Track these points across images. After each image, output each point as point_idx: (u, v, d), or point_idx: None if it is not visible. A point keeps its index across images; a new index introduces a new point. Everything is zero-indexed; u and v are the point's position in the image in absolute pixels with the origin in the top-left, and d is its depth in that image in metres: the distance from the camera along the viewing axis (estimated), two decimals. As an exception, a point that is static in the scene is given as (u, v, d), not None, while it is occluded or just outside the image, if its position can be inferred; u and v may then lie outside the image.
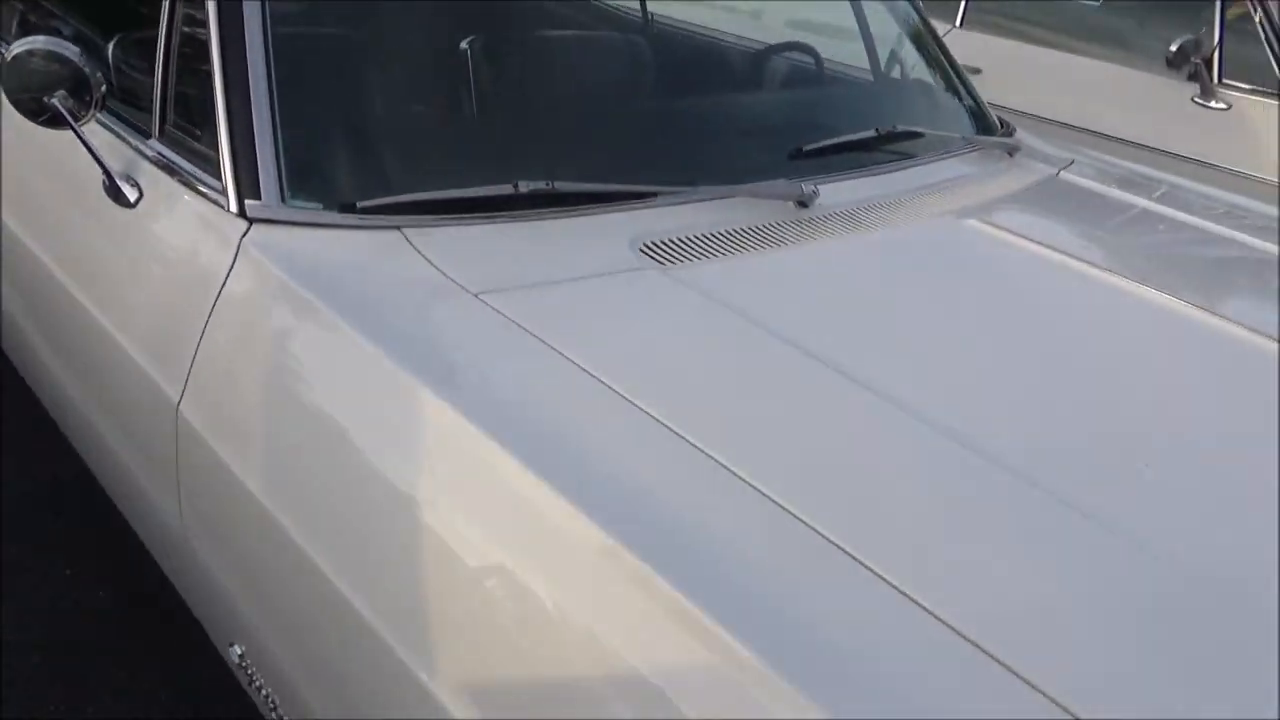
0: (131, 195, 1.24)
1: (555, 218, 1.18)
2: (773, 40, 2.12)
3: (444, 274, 1.05)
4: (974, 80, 3.46)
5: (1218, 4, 2.83)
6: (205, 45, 1.18)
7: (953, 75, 2.02)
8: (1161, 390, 1.07)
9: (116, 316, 1.23)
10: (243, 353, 1.05)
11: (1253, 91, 2.79)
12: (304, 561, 0.92)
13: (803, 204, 1.35)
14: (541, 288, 1.06)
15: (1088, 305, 1.25)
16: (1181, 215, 1.73)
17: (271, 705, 1.08)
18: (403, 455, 0.89)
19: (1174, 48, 2.77)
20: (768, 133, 1.53)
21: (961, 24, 3.37)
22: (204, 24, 1.18)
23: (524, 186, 1.16)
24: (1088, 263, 1.34)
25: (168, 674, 1.62)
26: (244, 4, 1.17)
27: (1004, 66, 3.22)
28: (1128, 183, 1.87)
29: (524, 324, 0.98)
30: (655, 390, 0.90)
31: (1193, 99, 2.85)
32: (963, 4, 3.37)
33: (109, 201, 1.26)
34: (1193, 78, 2.83)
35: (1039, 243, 1.39)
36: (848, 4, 2.09)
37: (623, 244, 1.17)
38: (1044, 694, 0.64)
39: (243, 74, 1.15)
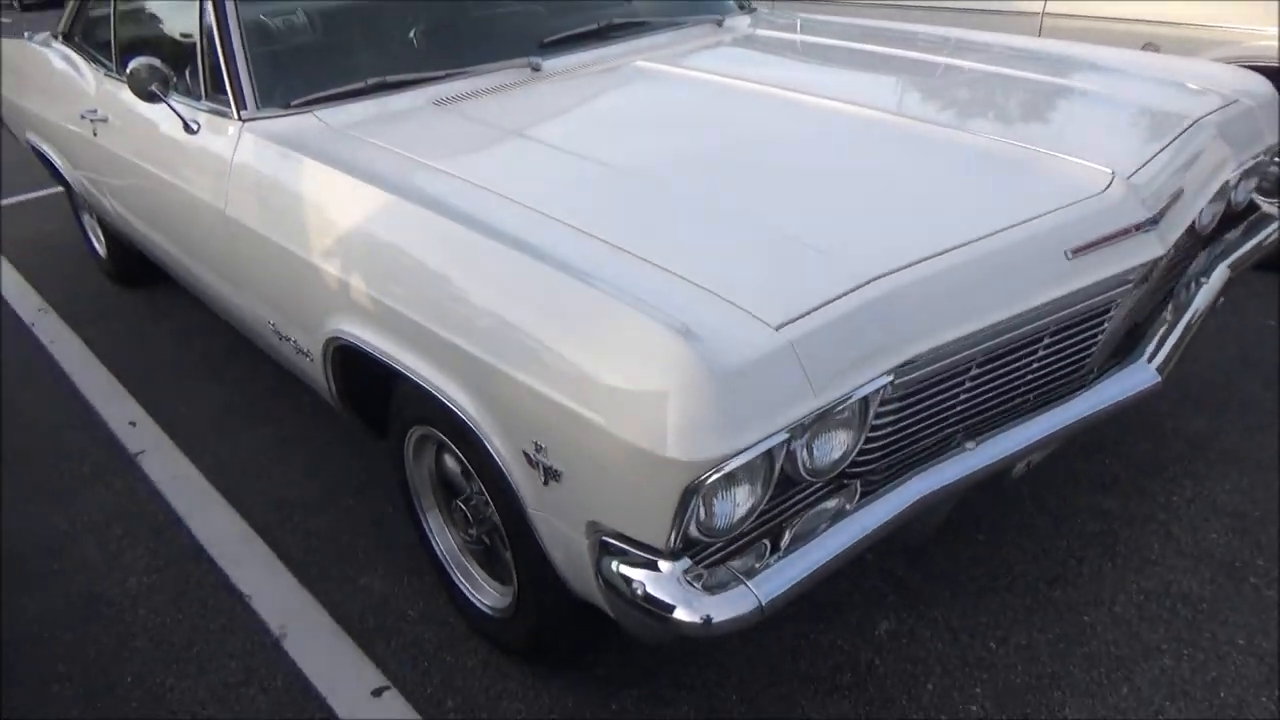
0: (195, 128, 2.46)
1: (389, 95, 2.33)
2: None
3: (328, 125, 2.22)
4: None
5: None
6: (214, 46, 2.39)
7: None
8: (753, 132, 2.12)
9: (189, 182, 2.46)
10: (249, 177, 2.25)
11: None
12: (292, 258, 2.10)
13: (535, 69, 2.45)
14: (377, 123, 2.21)
15: (709, 101, 2.29)
16: (829, 41, 2.72)
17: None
18: (310, 189, 2.05)
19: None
20: (527, 32, 2.62)
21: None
22: (208, 34, 2.39)
23: (371, 81, 2.32)
24: (723, 75, 2.38)
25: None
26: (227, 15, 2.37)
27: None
28: (805, 30, 2.86)
29: (363, 136, 2.14)
30: (437, 157, 2.01)
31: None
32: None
33: (184, 134, 2.49)
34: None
35: (689, 67, 2.45)
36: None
37: (425, 102, 2.31)
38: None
39: (232, 59, 2.34)
